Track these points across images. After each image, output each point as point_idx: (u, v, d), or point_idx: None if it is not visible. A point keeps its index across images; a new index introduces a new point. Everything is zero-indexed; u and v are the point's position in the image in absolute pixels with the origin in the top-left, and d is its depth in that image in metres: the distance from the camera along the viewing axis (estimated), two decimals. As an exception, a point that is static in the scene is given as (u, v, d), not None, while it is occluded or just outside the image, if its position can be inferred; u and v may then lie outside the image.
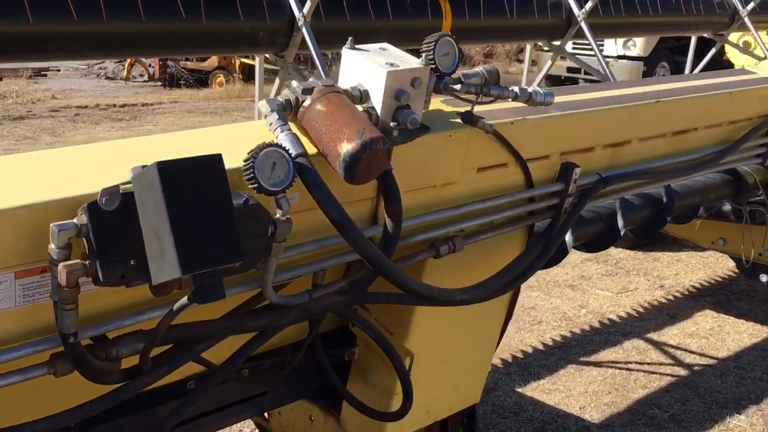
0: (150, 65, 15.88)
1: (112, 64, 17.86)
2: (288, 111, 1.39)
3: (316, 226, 1.43)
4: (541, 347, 4.26)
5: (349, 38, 1.51)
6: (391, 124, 1.46)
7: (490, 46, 18.21)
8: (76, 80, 16.90)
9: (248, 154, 1.21)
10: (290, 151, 1.28)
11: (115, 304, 1.25)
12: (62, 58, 2.69)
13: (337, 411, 2.14)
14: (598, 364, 4.04)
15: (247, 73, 15.07)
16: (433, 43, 1.52)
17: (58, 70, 17.89)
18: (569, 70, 10.90)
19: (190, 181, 1.03)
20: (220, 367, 1.47)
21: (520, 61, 18.13)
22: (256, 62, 3.73)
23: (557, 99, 1.96)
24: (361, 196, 1.53)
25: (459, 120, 1.63)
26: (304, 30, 3.10)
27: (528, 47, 4.65)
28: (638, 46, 11.53)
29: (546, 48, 4.53)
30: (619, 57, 11.73)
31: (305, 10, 3.06)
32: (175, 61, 15.21)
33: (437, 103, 1.72)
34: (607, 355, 4.16)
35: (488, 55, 18.93)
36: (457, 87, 1.56)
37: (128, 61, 15.48)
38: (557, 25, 4.26)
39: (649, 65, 11.80)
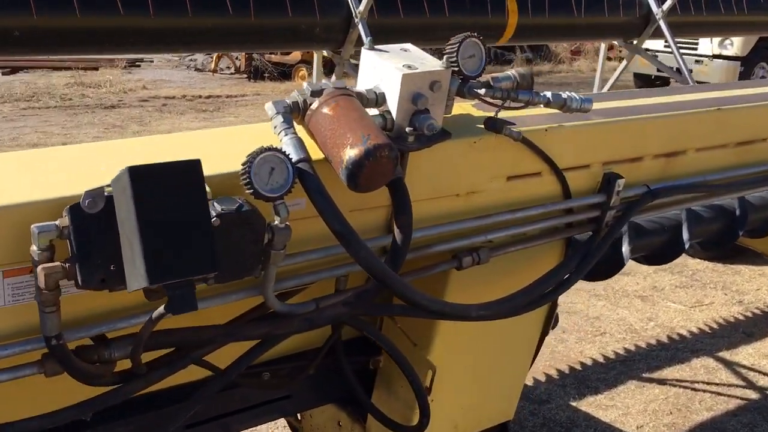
0: (237, 58, 16.25)
1: (201, 57, 18.39)
2: (295, 113, 1.34)
3: (327, 232, 1.38)
4: (601, 360, 4.08)
5: (368, 38, 1.45)
6: (407, 129, 1.39)
7: (578, 43, 17.69)
8: (167, 71, 17.49)
9: (246, 158, 1.17)
10: (292, 156, 1.24)
11: (111, 306, 1.23)
12: (112, 52, 2.76)
13: (363, 418, 2.09)
14: (661, 382, 3.83)
15: (330, 67, 15.22)
16: (457, 45, 1.44)
17: (152, 61, 18.55)
18: (660, 69, 10.49)
19: (164, 187, 0.99)
20: (223, 372, 1.44)
21: (611, 59, 17.56)
22: (315, 58, 3.72)
23: (603, 105, 1.84)
24: (376, 203, 1.46)
25: (485, 126, 1.54)
26: (360, 27, 3.06)
27: (603, 46, 4.45)
28: (735, 45, 10.96)
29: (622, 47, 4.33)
30: (715, 56, 11.17)
31: (361, 7, 3.03)
32: (260, 54, 15.53)
33: (467, 107, 1.64)
34: (672, 372, 3.94)
35: (576, 53, 18.42)
36: (482, 91, 1.47)
37: (215, 54, 15.88)
38: (633, 23, 4.06)
39: (747, 65, 11.19)
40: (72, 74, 14.95)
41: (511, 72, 1.57)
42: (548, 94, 1.55)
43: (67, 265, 1.05)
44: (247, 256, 1.20)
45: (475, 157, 1.56)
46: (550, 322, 2.02)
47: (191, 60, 18.57)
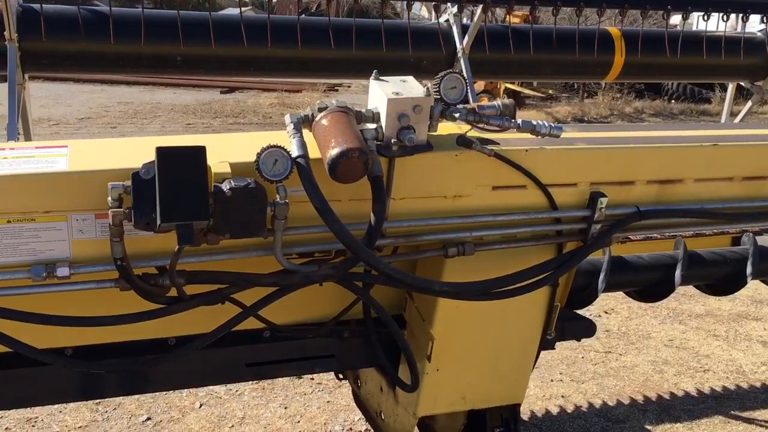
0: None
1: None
2: (306, 123, 1.84)
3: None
4: (694, 393, 4.11)
5: (374, 71, 1.91)
6: (393, 140, 1.84)
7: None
8: (361, 96, 18.79)
9: (258, 151, 1.69)
10: (293, 152, 1.73)
11: (163, 248, 1.79)
12: (235, 74, 3.44)
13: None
14: (750, 420, 3.80)
15: (512, 97, 15.57)
16: (440, 79, 1.86)
17: (349, 86, 20.04)
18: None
19: (179, 163, 1.53)
20: (248, 307, 1.94)
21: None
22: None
23: (597, 134, 2.15)
24: (369, 195, 1.90)
25: (470, 143, 1.93)
26: (462, 61, 3.48)
27: (730, 86, 4.47)
28: None
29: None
30: None
31: (465, 42, 3.45)
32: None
33: (465, 128, 2.04)
34: (766, 413, 3.88)
35: None
36: (456, 115, 1.87)
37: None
38: (759, 66, 4.05)
39: None
40: (277, 95, 16.65)
41: (496, 102, 1.95)
42: (519, 120, 1.91)
43: (127, 210, 1.63)
44: (253, 220, 1.71)
45: (459, 167, 1.95)
46: (550, 321, 2.31)
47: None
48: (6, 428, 3.53)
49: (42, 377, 2.11)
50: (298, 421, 3.67)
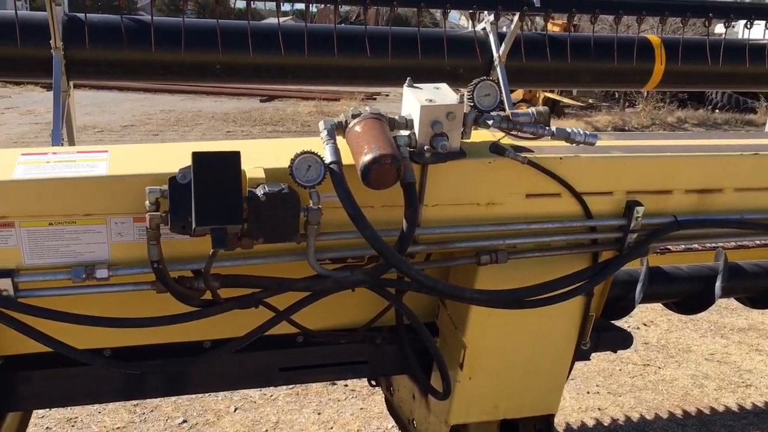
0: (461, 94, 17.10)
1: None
2: (340, 130, 1.85)
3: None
4: (735, 408, 4.01)
5: (408, 78, 1.92)
6: (425, 147, 1.84)
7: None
8: (398, 105, 18.83)
9: (292, 157, 1.71)
10: (326, 159, 1.75)
11: (198, 252, 1.82)
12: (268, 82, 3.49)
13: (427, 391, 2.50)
14: (792, 439, 3.70)
15: (550, 106, 15.47)
16: (474, 86, 1.86)
17: (387, 95, 20.12)
18: None
19: (214, 167, 1.56)
20: (281, 312, 1.96)
21: None
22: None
23: (633, 142, 2.12)
24: (401, 202, 1.91)
25: (504, 150, 1.93)
26: (498, 69, 3.48)
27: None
28: None
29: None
30: None
31: (501, 51, 3.44)
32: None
33: (498, 136, 2.03)
34: (811, 433, 3.77)
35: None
36: (490, 122, 1.87)
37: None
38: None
39: None
40: (315, 104, 16.80)
41: (530, 110, 1.95)
42: (553, 128, 1.90)
43: (164, 214, 1.66)
44: (286, 225, 1.73)
45: (492, 174, 1.94)
46: (585, 331, 2.28)
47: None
48: (47, 428, 3.61)
49: (81, 377, 2.16)
50: (331, 428, 3.68)
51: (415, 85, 1.92)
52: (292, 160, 1.70)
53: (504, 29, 3.82)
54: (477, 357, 2.21)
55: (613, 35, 3.67)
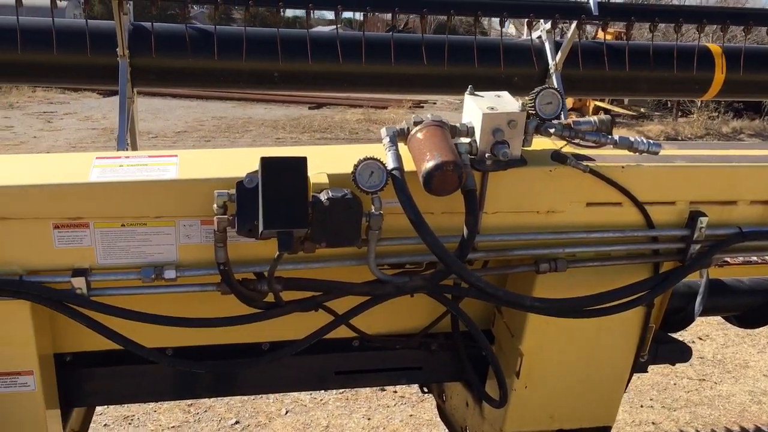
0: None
1: (480, 100, 19.50)
2: (402, 137, 1.87)
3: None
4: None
5: (469, 86, 1.94)
6: (486, 155, 1.85)
7: None
8: (448, 113, 18.84)
9: (355, 163, 1.74)
10: (389, 165, 1.77)
11: (262, 255, 1.86)
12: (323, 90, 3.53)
13: (481, 399, 2.50)
14: None
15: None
16: (536, 94, 1.86)
17: (435, 103, 20.14)
18: None
19: (281, 172, 1.60)
20: (340, 316, 1.99)
21: None
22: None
23: (697, 152, 2.09)
24: (463, 209, 1.92)
25: (565, 159, 1.92)
26: (553, 77, 3.46)
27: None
28: None
29: None
30: None
31: (557, 59, 3.42)
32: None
33: (560, 144, 2.03)
34: None
35: None
36: (552, 130, 1.87)
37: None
38: None
39: None
40: (363, 111, 16.91)
41: (592, 118, 1.94)
42: (616, 137, 1.89)
43: (231, 217, 1.71)
44: (348, 230, 1.76)
45: (553, 182, 1.94)
46: (644, 342, 2.25)
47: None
48: (105, 424, 3.71)
49: (144, 376, 2.22)
50: (381, 433, 3.69)
51: (476, 93, 1.93)
52: (355, 166, 1.73)
53: (558, 37, 3.80)
54: (534, 366, 2.20)
55: (672, 44, 3.61)
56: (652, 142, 1.90)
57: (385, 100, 18.73)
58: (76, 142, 12.54)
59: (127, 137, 3.04)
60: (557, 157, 1.89)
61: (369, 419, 3.82)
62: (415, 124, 1.86)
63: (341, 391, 4.09)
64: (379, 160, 1.74)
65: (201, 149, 2.06)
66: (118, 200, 1.74)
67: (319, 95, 18.85)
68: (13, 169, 1.80)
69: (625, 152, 1.97)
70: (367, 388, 4.14)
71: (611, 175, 1.94)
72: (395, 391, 4.10)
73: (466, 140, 1.89)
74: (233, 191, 1.70)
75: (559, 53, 3.43)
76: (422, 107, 19.32)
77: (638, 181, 1.97)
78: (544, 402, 2.29)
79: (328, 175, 1.78)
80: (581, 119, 1.93)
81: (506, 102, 1.90)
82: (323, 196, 1.70)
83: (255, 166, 1.71)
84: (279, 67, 3.15)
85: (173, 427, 3.70)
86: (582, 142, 1.90)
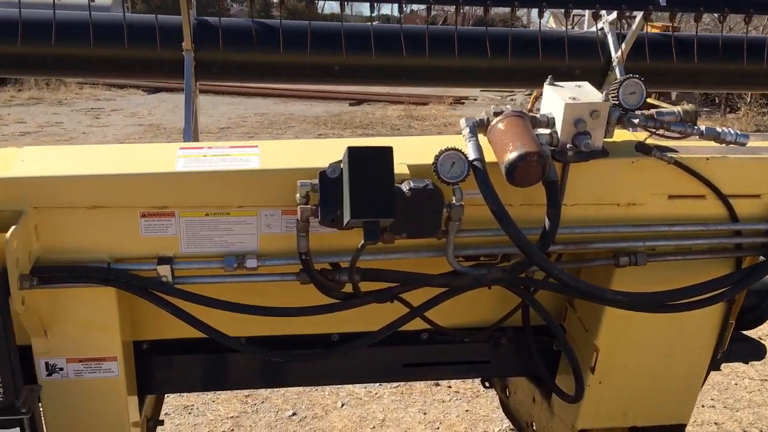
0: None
1: (522, 96, 19.39)
2: (481, 128, 1.86)
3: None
4: None
5: (549, 76, 1.91)
6: (568, 146, 1.83)
7: None
8: (489, 109, 18.71)
9: (436, 154, 1.73)
10: (470, 156, 1.76)
11: (341, 245, 1.87)
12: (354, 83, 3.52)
13: (550, 395, 2.47)
14: None
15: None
16: (619, 84, 1.83)
17: (475, 99, 20.03)
18: None
19: (367, 162, 1.59)
20: (414, 308, 1.98)
21: None
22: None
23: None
24: (542, 201, 1.89)
25: (648, 150, 1.89)
26: (616, 70, 3.40)
27: None
28: None
29: None
30: None
31: (620, 52, 3.37)
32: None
33: (641, 135, 1.99)
34: None
35: None
36: (636, 121, 1.83)
37: (534, 94, 16.64)
38: None
39: None
40: (404, 107, 16.89)
41: (676, 108, 1.90)
42: (702, 127, 1.85)
43: (314, 207, 1.71)
44: (429, 221, 1.75)
45: (634, 174, 1.91)
46: (723, 339, 2.20)
47: (511, 100, 19.68)
48: (165, 413, 3.76)
49: (219, 364, 2.25)
50: (438, 428, 3.68)
51: (556, 83, 1.91)
52: (437, 157, 1.72)
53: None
54: (609, 361, 2.17)
55: (742, 36, 3.54)
56: (739, 133, 1.85)
57: (425, 96, 18.69)
58: (124, 137, 12.77)
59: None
60: (641, 148, 1.86)
61: (425, 414, 3.81)
62: (495, 114, 1.85)
63: (395, 385, 4.10)
64: (460, 151, 1.73)
65: (282, 140, 2.07)
66: (203, 189, 1.76)
67: (359, 91, 18.91)
68: (100, 158, 1.83)
69: (708, 143, 1.93)
70: (422, 383, 4.13)
71: (695, 166, 1.90)
72: (449, 386, 4.09)
73: (545, 131, 1.86)
74: (316, 181, 1.71)
75: (623, 45, 3.37)
76: (463, 103, 19.25)
77: (723, 173, 1.93)
78: (618, 398, 2.25)
79: (408, 166, 1.77)
80: (664, 110, 1.90)
81: (588, 92, 1.87)
82: (405, 187, 1.69)
83: (335, 156, 1.71)
84: (340, 61, 3.16)
85: (231, 417, 3.74)
86: (666, 133, 1.86)
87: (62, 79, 18.74)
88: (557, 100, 1.84)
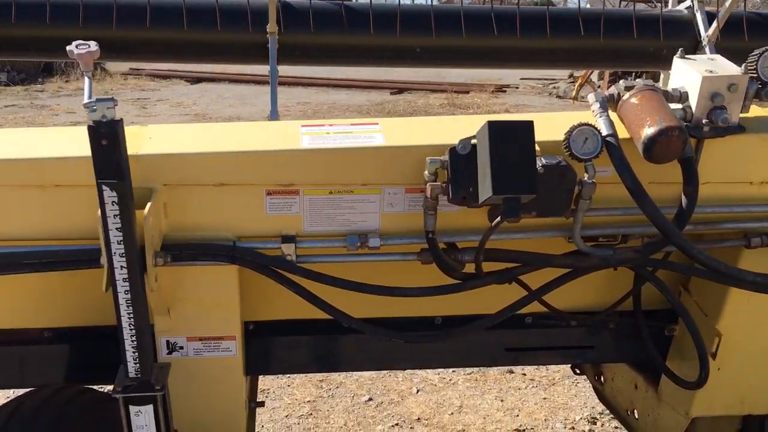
0: (599, 86, 16.58)
1: (564, 84, 19.12)
2: (611, 103, 1.79)
3: (625, 196, 1.78)
4: None
5: (680, 49, 1.84)
6: (704, 121, 1.76)
7: None
8: (531, 97, 18.50)
9: (567, 129, 1.67)
10: (602, 131, 1.70)
11: (468, 225, 1.82)
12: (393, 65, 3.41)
13: (657, 382, 2.40)
14: None
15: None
16: (757, 56, 1.75)
17: (517, 87, 19.81)
18: None
19: (508, 136, 1.54)
20: (533, 291, 1.94)
21: None
22: (662, 77, 4.00)
23: None
24: (671, 179, 1.82)
25: (786, 126, 1.81)
26: (707, 50, 3.29)
27: None
28: None
29: None
30: None
31: (710, 31, 3.26)
32: (625, 81, 15.72)
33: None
34: None
35: None
36: (775, 94, 1.76)
37: (579, 81, 16.40)
38: None
39: None
40: (446, 96, 16.77)
41: (816, 82, 1.81)
42: None
43: (444, 185, 1.67)
44: (560, 200, 1.70)
45: None
46: None
47: (554, 87, 19.42)
48: (243, 397, 3.77)
49: (322, 345, 2.22)
50: (517, 415, 3.63)
51: (687, 56, 1.84)
52: (569, 133, 1.66)
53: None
54: (729, 347, 2.10)
55: None
56: None
57: (466, 85, 18.56)
58: (171, 127, 12.87)
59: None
60: (779, 123, 1.78)
61: (502, 401, 3.77)
62: (627, 89, 1.78)
63: (470, 371, 4.05)
64: (593, 126, 1.67)
65: (399, 118, 2.03)
66: (329, 167, 1.73)
67: (400, 80, 18.84)
68: (225, 136, 1.81)
69: None
70: (495, 370, 4.08)
71: None
72: (524, 374, 4.03)
73: (677, 106, 1.79)
74: (445, 158, 1.67)
75: (714, 23, 3.25)
76: (504, 91, 19.05)
77: None
78: (736, 385, 2.18)
79: (539, 143, 1.72)
80: (803, 83, 1.81)
81: (723, 65, 1.79)
82: (537, 164, 1.64)
83: (455, 133, 1.67)
84: (422, 43, 3.10)
85: (308, 401, 3.74)
86: (809, 108, 1.78)
87: (107, 70, 19.03)
88: (692, 73, 1.77)
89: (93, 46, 1.53)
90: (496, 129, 1.55)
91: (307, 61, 3.30)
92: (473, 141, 1.64)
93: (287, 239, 1.76)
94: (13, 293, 1.92)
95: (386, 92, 18.18)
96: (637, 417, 2.57)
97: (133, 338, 1.60)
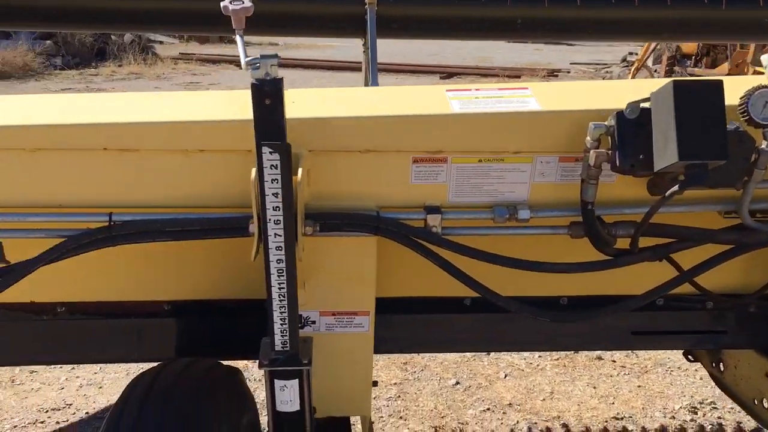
0: (655, 71, 16.16)
1: (618, 69, 18.71)
2: (786, 66, 1.65)
3: None
4: None
5: None
6: None
7: None
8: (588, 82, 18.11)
9: (744, 92, 1.54)
10: (784, 94, 1.56)
11: (623, 197, 1.70)
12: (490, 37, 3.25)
13: (791, 370, 2.26)
14: None
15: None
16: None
17: (568, 72, 19.43)
18: None
19: (696, 97, 1.42)
20: (685, 272, 1.81)
21: None
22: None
23: None
24: None
25: None
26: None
27: None
28: None
29: None
30: None
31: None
32: (682, 67, 15.27)
33: None
34: None
35: None
36: None
37: (635, 65, 15.98)
38: None
39: None
40: (497, 81, 16.51)
41: None
42: None
43: (609, 152, 1.55)
44: (734, 169, 1.56)
45: None
46: None
47: (607, 72, 19.01)
48: (328, 378, 3.71)
49: (439, 325, 2.13)
50: (612, 403, 3.50)
51: None
52: (747, 96, 1.53)
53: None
54: None
55: None
56: None
57: (517, 69, 18.28)
58: (225, 110, 12.90)
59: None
60: None
61: (595, 388, 3.64)
62: (805, 50, 1.63)
63: (557, 356, 3.94)
64: (774, 89, 1.53)
65: (550, 82, 1.91)
66: (481, 133, 1.63)
67: (449, 65, 18.65)
68: (369, 100, 1.72)
69: None
70: (584, 356, 3.96)
71: None
72: (614, 361, 3.90)
73: None
74: (610, 123, 1.55)
75: None
76: (556, 76, 18.70)
77: None
78: None
79: None
80: None
81: None
82: (715, 128, 1.51)
83: (612, 98, 1.56)
84: (522, 14, 2.98)
85: (395, 383, 3.66)
86: None
87: (158, 55, 19.19)
88: None
89: (247, 2, 1.44)
90: (682, 90, 1.42)
91: (403, 33, 3.20)
92: (642, 105, 1.52)
93: (431, 210, 1.66)
94: (136, 265, 1.87)
95: (435, 77, 17.99)
96: (766, 407, 2.43)
97: (283, 310, 1.52)
